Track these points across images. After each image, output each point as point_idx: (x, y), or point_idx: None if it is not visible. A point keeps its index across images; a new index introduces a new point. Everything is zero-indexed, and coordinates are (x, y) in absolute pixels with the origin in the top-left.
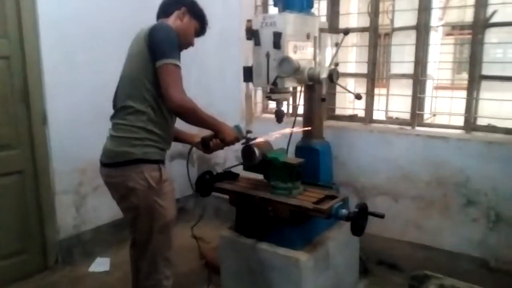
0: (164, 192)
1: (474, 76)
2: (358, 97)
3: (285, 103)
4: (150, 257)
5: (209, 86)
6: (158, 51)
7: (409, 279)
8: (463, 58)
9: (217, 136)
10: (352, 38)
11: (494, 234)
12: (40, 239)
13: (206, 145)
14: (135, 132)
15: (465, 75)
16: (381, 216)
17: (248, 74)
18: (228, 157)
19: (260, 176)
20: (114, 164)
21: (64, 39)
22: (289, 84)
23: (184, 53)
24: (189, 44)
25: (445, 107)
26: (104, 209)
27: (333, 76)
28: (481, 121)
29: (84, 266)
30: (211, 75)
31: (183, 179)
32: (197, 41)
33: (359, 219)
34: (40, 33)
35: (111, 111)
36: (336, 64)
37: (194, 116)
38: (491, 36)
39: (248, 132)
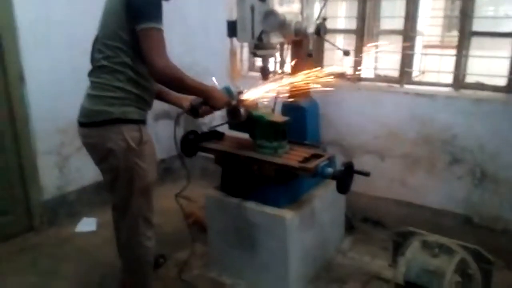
0: (144, 154)
1: (465, 32)
2: (346, 53)
3: (271, 60)
4: (130, 218)
5: (193, 43)
6: (138, 13)
7: (393, 235)
8: (449, 15)
9: (206, 103)
10: None
11: (478, 191)
12: (24, 200)
13: (195, 112)
14: (113, 91)
15: (455, 33)
16: (367, 174)
17: (232, 29)
18: (214, 117)
19: (245, 135)
20: (91, 123)
21: None
22: (275, 40)
23: (165, 8)
24: None
25: (435, 66)
26: (88, 169)
27: (321, 31)
28: (469, 79)
29: (71, 227)
30: (194, 31)
31: (169, 139)
32: None
33: (345, 178)
34: None
35: (90, 68)
36: (324, 19)
37: (180, 85)
38: None
39: (240, 93)
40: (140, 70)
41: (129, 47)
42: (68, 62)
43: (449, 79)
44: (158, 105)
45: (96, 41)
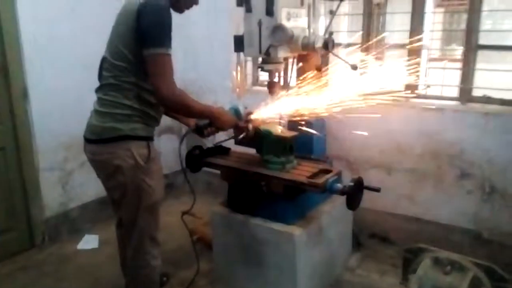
0: (152, 171)
1: (471, 45)
2: (354, 67)
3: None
4: (137, 237)
5: (197, 58)
6: (148, 37)
7: (404, 252)
8: (454, 29)
9: (213, 125)
10: (344, 7)
11: (487, 206)
12: (26, 217)
13: (201, 132)
14: (122, 109)
15: (454, 47)
16: (377, 190)
17: (239, 43)
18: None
19: (252, 151)
20: (99, 140)
21: (44, 9)
22: (282, 54)
23: None
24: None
25: (437, 79)
26: (91, 185)
27: (329, 45)
28: (476, 92)
29: (72, 244)
30: (198, 46)
31: (172, 154)
32: None
33: (355, 193)
34: (17, 2)
35: (95, 84)
36: (331, 33)
37: (186, 110)
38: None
39: (249, 113)
40: (148, 88)
41: (136, 68)
42: (72, 78)
43: (453, 92)
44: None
45: (104, 60)
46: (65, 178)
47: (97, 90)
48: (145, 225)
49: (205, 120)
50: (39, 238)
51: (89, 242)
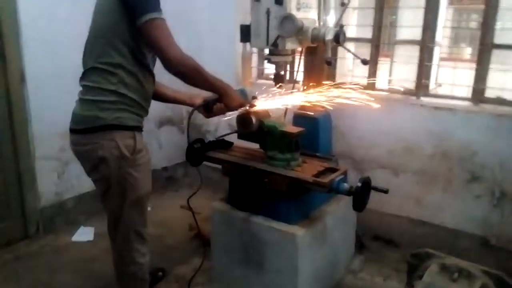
0: (138, 163)
1: (486, 44)
2: (364, 62)
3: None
4: (123, 232)
5: (200, 46)
6: (137, 4)
7: (409, 256)
8: (465, 28)
9: (221, 100)
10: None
11: (497, 212)
12: (20, 207)
13: (208, 108)
14: (106, 95)
15: (463, 46)
16: (385, 191)
17: (245, 33)
18: (220, 124)
19: (255, 146)
20: (83, 130)
21: None
22: (291, 46)
23: (170, 10)
24: None
25: (447, 79)
26: (87, 176)
27: (340, 38)
28: (489, 93)
29: (67, 235)
30: (201, 36)
31: (172, 147)
32: None
33: (362, 194)
34: None
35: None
36: (341, 26)
37: (198, 76)
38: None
39: (254, 98)
40: (134, 71)
41: (125, 45)
42: (71, 61)
43: (463, 92)
44: (161, 111)
45: (88, 40)
46: (62, 168)
47: (81, 78)
48: (130, 221)
49: (214, 95)
50: (34, 228)
51: (84, 234)
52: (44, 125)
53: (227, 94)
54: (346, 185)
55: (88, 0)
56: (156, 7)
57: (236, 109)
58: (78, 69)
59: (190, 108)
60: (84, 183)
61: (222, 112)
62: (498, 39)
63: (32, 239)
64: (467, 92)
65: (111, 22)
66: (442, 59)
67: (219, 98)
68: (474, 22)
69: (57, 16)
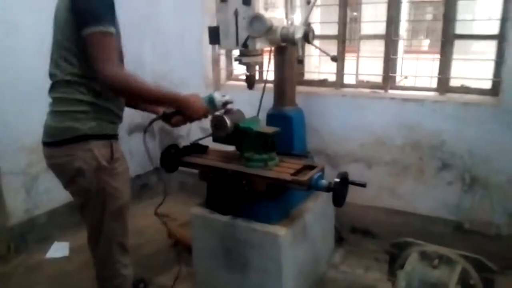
0: (116, 172)
1: (448, 35)
2: (334, 59)
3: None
4: (104, 245)
5: (167, 51)
6: (83, 15)
7: (390, 246)
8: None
9: (180, 112)
10: None
11: (468, 197)
12: None
13: (167, 121)
14: (78, 106)
15: (421, 38)
16: (363, 185)
17: (214, 35)
18: (192, 129)
19: (231, 148)
20: (57, 142)
21: None
22: (261, 46)
23: (137, 15)
24: None
25: (411, 71)
26: (58, 190)
27: (309, 36)
28: (454, 83)
29: (41, 253)
30: (168, 40)
31: (144, 154)
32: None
33: (341, 189)
34: None
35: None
36: (309, 24)
37: (139, 92)
38: None
39: (228, 103)
40: None
41: (81, 56)
42: (36, 72)
43: (427, 83)
44: (131, 118)
45: (52, 53)
46: (30, 183)
47: (50, 90)
48: (112, 232)
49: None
50: (4, 249)
51: (58, 250)
52: (7, 140)
53: (185, 107)
54: (324, 182)
55: (50, 7)
56: (99, 20)
57: (200, 119)
58: (43, 80)
59: None
60: (56, 197)
61: (183, 123)
62: (459, 29)
63: (4, 259)
64: (430, 82)
65: (69, 33)
66: (404, 51)
67: (178, 111)
68: (430, 14)
69: (17, 25)
